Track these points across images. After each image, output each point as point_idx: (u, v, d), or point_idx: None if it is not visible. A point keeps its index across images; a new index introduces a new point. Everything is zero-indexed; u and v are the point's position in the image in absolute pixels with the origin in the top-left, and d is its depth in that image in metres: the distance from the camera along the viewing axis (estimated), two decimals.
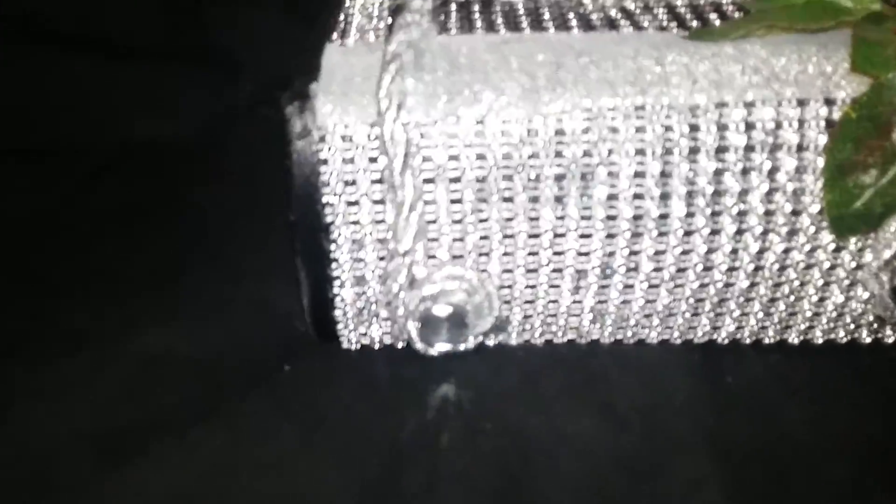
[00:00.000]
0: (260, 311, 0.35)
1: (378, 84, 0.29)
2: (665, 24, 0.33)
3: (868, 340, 0.34)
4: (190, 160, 0.45)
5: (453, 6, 0.35)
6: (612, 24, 0.33)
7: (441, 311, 0.31)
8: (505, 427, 0.30)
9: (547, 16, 0.34)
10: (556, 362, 0.32)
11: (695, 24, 0.33)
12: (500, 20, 0.34)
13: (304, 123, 0.29)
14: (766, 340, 0.34)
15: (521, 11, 0.35)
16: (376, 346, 0.34)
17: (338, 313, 0.33)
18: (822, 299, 0.33)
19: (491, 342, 0.34)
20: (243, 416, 0.30)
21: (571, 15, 0.34)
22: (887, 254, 0.31)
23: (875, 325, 0.34)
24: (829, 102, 0.29)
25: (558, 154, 0.30)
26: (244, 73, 0.50)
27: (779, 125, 0.29)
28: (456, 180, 0.30)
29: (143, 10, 0.54)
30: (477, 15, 0.35)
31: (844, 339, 0.34)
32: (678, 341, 0.35)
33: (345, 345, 0.34)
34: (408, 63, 0.29)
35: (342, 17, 0.35)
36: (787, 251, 0.31)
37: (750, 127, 0.29)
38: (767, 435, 0.29)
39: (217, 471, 0.28)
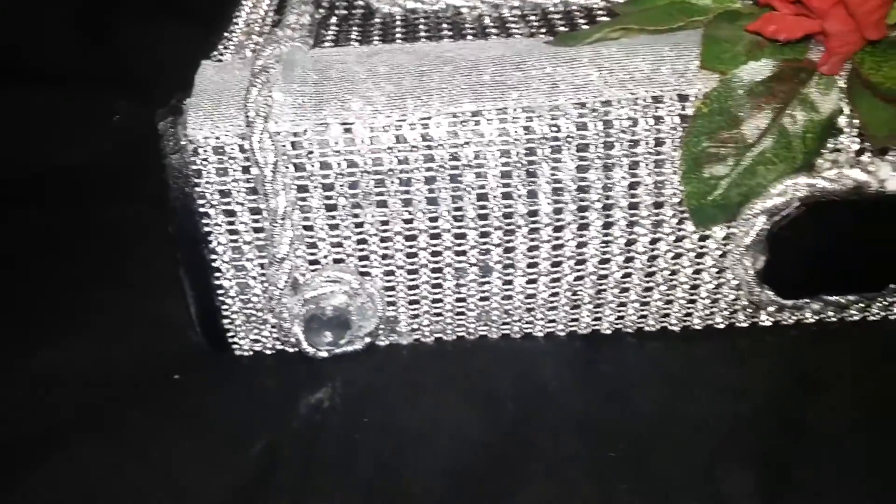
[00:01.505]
0: (159, 325, 0.36)
1: (245, 97, 0.30)
2: (535, 31, 0.35)
3: (745, 324, 0.36)
4: (102, 182, 0.45)
5: (334, 20, 0.37)
6: (482, 33, 0.35)
7: (324, 313, 0.33)
8: (383, 421, 0.31)
9: (422, 27, 0.36)
10: (440, 358, 0.34)
11: (563, 30, 0.35)
12: (376, 32, 0.35)
13: (177, 138, 0.30)
14: (647, 328, 0.36)
15: (399, 23, 0.36)
16: (268, 352, 0.35)
17: (226, 322, 0.34)
18: (694, 286, 0.34)
19: (382, 343, 0.36)
20: (131, 424, 0.31)
21: (445, 25, 0.35)
22: (748, 240, 0.32)
23: (750, 309, 0.36)
24: (683, 98, 0.31)
25: (427, 158, 0.31)
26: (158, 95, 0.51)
27: (635, 122, 0.31)
28: (329, 187, 0.31)
29: (57, 33, 0.55)
30: (355, 28, 0.36)
31: (722, 324, 0.36)
32: (563, 333, 0.36)
33: (238, 352, 0.35)
34: (275, 76, 0.30)
35: (224, 34, 0.36)
36: (654, 241, 0.33)
37: (608, 125, 0.31)
38: (633, 418, 0.30)
39: (102, 477, 0.29)
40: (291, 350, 0.35)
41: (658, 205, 0.32)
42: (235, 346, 0.35)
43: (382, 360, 0.34)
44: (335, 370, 0.33)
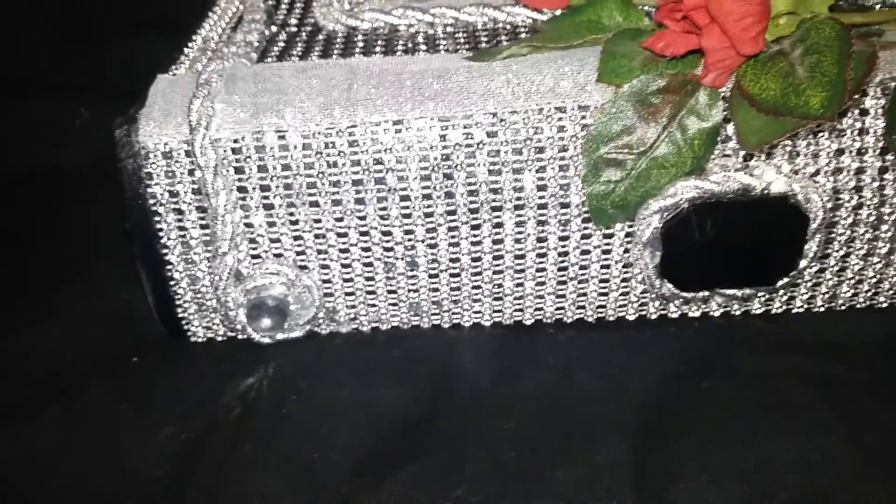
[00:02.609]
0: (123, 314, 0.40)
1: (189, 107, 0.34)
2: (459, 47, 0.38)
3: (655, 316, 0.39)
4: (78, 185, 0.49)
5: (282, 36, 0.40)
6: (412, 50, 0.38)
7: (264, 302, 0.36)
8: (310, 399, 0.34)
9: (360, 43, 0.39)
10: (372, 345, 0.37)
11: (485, 46, 0.38)
12: (318, 48, 0.39)
13: (131, 144, 0.34)
14: (566, 319, 0.39)
15: (339, 40, 0.39)
16: (220, 338, 0.39)
17: (180, 311, 0.38)
18: (604, 280, 0.38)
19: (323, 331, 0.39)
20: (87, 399, 0.35)
21: (380, 42, 0.39)
22: (645, 237, 0.35)
23: (659, 302, 0.39)
24: (583, 108, 0.34)
25: (354, 163, 0.34)
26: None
27: (539, 130, 0.34)
28: (266, 188, 0.35)
29: (39, 42, 0.59)
30: (300, 44, 0.39)
31: (634, 316, 0.39)
32: (488, 323, 0.39)
33: (192, 338, 0.39)
34: (217, 89, 0.34)
35: (182, 50, 0.39)
36: (563, 239, 0.36)
37: (516, 132, 0.34)
38: (529, 397, 0.33)
39: (55, 446, 0.33)
40: (240, 336, 0.38)
41: (565, 205, 0.35)
42: (190, 333, 0.39)
43: (320, 345, 0.37)
44: (275, 354, 0.37)
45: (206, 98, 0.34)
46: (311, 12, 0.42)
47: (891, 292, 0.38)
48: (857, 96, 0.33)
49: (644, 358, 0.35)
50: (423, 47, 0.38)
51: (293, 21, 0.42)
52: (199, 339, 0.39)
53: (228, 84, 0.35)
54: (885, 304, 0.39)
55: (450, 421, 0.32)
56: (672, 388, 0.33)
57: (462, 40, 0.39)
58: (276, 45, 0.39)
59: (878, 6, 0.39)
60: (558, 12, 0.40)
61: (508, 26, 0.40)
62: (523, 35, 0.39)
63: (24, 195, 0.49)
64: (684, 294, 0.37)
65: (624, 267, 0.37)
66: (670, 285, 0.36)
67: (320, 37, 0.40)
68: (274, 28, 0.41)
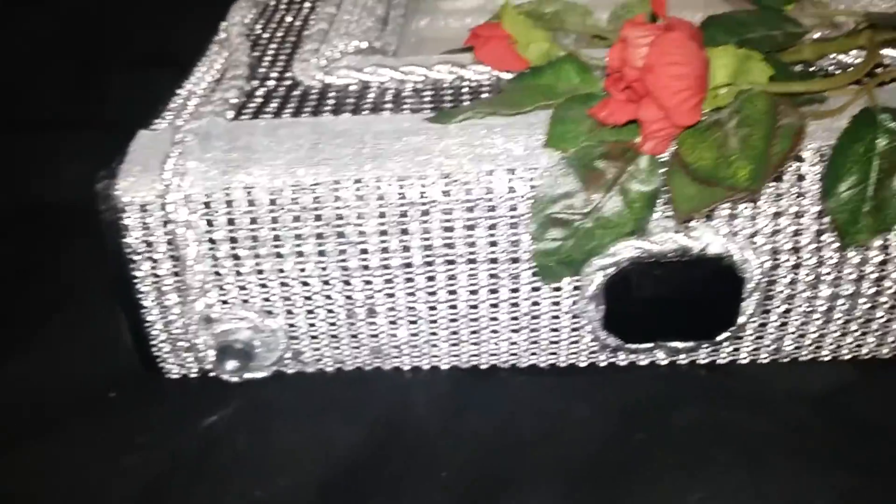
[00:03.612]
0: (105, 349, 0.42)
1: (162, 165, 0.36)
2: (423, 107, 0.40)
3: (604, 364, 0.41)
4: (73, 221, 0.52)
5: (261, 91, 0.43)
6: (379, 108, 0.40)
7: (232, 345, 0.39)
8: (269, 436, 0.37)
9: (331, 100, 0.41)
10: (333, 385, 0.39)
11: (447, 106, 0.40)
12: (291, 105, 0.41)
13: (110, 197, 0.37)
14: (520, 365, 0.41)
15: (313, 96, 0.42)
16: (193, 375, 0.41)
17: (154, 349, 0.40)
18: (554, 329, 0.40)
19: (290, 370, 0.41)
20: (66, 431, 0.38)
21: (350, 99, 0.41)
22: (590, 292, 0.37)
23: (608, 351, 0.40)
24: (532, 170, 0.36)
25: (317, 217, 0.37)
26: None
27: (491, 190, 0.36)
28: (234, 240, 0.37)
29: (54, 82, 0.62)
30: (276, 100, 0.42)
31: (585, 363, 0.41)
32: (446, 367, 0.41)
33: (168, 375, 0.41)
34: (191, 147, 0.37)
35: (165, 105, 0.42)
36: (514, 291, 0.38)
37: (468, 192, 0.36)
38: (471, 440, 0.36)
39: (34, 475, 0.35)
40: (211, 374, 0.41)
41: (515, 260, 0.38)
42: (165, 370, 0.41)
43: (285, 385, 0.40)
44: (240, 392, 0.39)
45: (181, 156, 0.37)
46: (291, 67, 0.45)
47: (832, 346, 0.40)
48: (783, 168, 0.35)
49: (585, 406, 0.37)
50: (389, 106, 0.40)
51: (273, 75, 0.44)
52: (174, 376, 0.42)
53: (202, 142, 0.37)
54: (827, 358, 0.41)
55: (396, 464, 0.35)
56: (607, 438, 0.35)
57: (428, 98, 0.41)
58: (253, 100, 0.42)
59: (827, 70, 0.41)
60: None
61: (474, 83, 0.42)
62: (485, 94, 0.41)
63: (18, 229, 0.52)
64: (629, 345, 0.39)
65: (573, 317, 0.39)
66: (614, 338, 0.38)
67: (296, 92, 0.42)
68: (255, 82, 0.43)
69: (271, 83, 0.44)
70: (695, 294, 0.37)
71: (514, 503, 0.33)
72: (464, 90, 0.42)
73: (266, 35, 0.49)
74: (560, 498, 0.33)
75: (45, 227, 0.52)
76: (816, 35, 0.43)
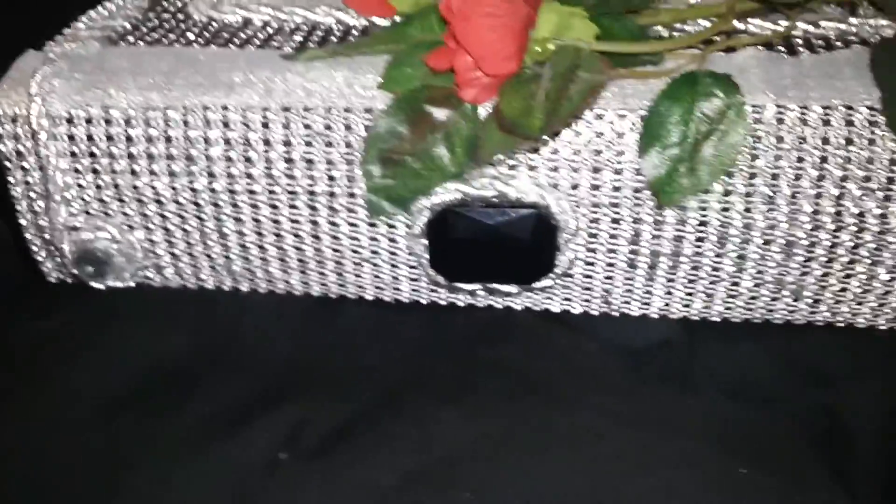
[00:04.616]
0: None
1: (31, 80, 0.39)
2: (287, 45, 0.42)
3: (444, 302, 0.43)
4: None
5: (149, 24, 0.45)
6: (247, 43, 0.42)
7: (92, 252, 0.42)
8: (98, 337, 0.40)
9: (207, 35, 0.43)
10: (186, 300, 0.43)
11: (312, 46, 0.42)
12: (173, 36, 0.43)
13: None
14: (365, 296, 0.43)
15: (196, 30, 0.44)
16: (69, 280, 0.45)
17: (33, 254, 0.44)
18: (393, 265, 0.42)
19: (154, 283, 0.44)
20: None
21: (225, 35, 0.43)
22: (416, 230, 0.39)
23: (441, 290, 0.42)
24: (368, 111, 0.38)
25: (167, 139, 0.39)
26: None
27: (329, 126, 0.38)
28: (93, 154, 0.40)
29: None
30: (160, 31, 0.44)
31: (426, 300, 0.43)
32: (298, 293, 0.44)
33: (47, 278, 0.45)
34: (58, 67, 0.40)
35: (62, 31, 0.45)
36: (352, 225, 0.40)
37: (308, 127, 0.38)
38: (282, 364, 0.39)
39: None
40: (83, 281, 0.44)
41: (352, 195, 0.40)
42: (45, 273, 0.45)
43: (141, 295, 0.43)
44: (94, 297, 0.43)
45: (49, 75, 0.40)
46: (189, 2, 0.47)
47: (660, 304, 0.41)
48: (574, 121, 0.37)
49: (396, 342, 0.40)
50: (257, 42, 0.42)
51: (172, 9, 0.47)
52: (52, 280, 0.45)
53: (72, 63, 0.40)
54: (616, 314, 0.42)
55: (217, 374, 0.38)
56: (397, 365, 0.38)
57: (300, 38, 0.43)
58: (139, 30, 0.44)
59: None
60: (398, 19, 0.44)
61: (350, 27, 0.44)
62: (352, 37, 0.43)
63: None
64: (454, 285, 0.41)
65: (410, 255, 0.41)
66: (439, 276, 0.40)
67: (182, 25, 0.45)
68: (152, 14, 0.46)
69: (167, 15, 0.46)
70: (512, 240, 0.39)
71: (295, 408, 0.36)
72: (336, 33, 0.44)
73: None
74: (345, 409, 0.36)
75: None
76: (693, 1, 0.44)
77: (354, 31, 0.43)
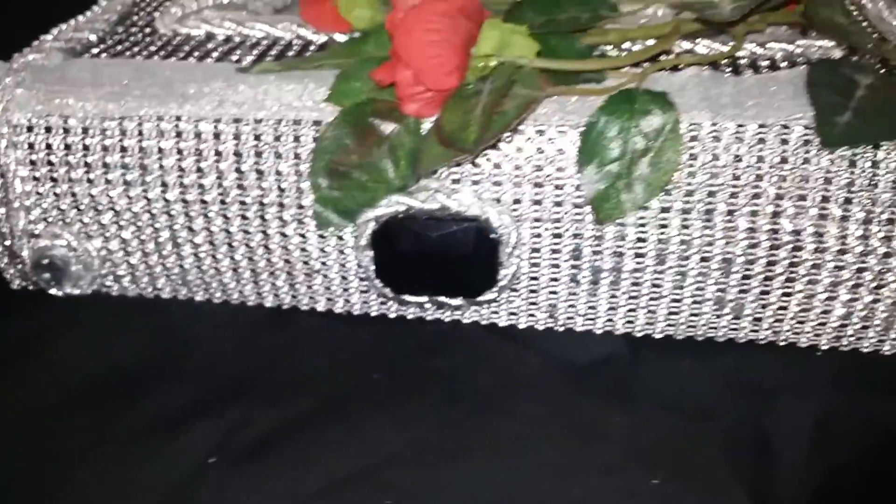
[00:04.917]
0: None
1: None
2: (245, 58, 0.43)
3: (393, 316, 0.43)
4: None
5: (116, 36, 0.46)
6: (206, 57, 0.43)
7: (49, 259, 0.43)
8: (54, 343, 0.41)
9: (169, 49, 0.45)
10: (142, 308, 0.43)
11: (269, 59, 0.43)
12: (137, 49, 0.45)
13: None
14: (317, 308, 0.44)
15: (160, 43, 0.45)
16: (31, 287, 0.45)
17: None
18: (344, 277, 0.42)
19: (112, 291, 0.45)
20: None
21: (186, 48, 0.44)
22: (362, 241, 0.39)
23: (390, 301, 0.43)
24: (317, 123, 0.39)
25: (122, 149, 0.40)
26: None
27: (278, 138, 0.39)
28: (51, 163, 0.41)
29: None
30: (127, 44, 0.45)
31: (376, 312, 0.43)
32: (252, 303, 0.44)
33: (12, 286, 0.46)
34: (21, 77, 0.41)
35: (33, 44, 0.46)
36: (303, 237, 0.41)
37: (258, 138, 0.39)
38: (221, 371, 0.39)
39: None
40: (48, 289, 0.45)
41: (301, 206, 0.40)
42: (9, 280, 0.46)
43: (93, 302, 0.44)
44: (54, 305, 0.44)
45: (11, 85, 0.41)
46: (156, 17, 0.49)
47: (605, 320, 0.41)
48: (507, 136, 0.37)
49: (345, 352, 0.40)
50: (215, 55, 0.44)
51: (141, 23, 0.48)
52: (16, 287, 0.46)
53: (34, 73, 0.42)
54: (561, 329, 0.42)
55: (167, 379, 0.39)
56: (338, 375, 0.38)
57: (258, 52, 0.44)
58: (105, 43, 0.46)
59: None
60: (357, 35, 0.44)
61: (308, 42, 0.45)
62: (310, 52, 0.44)
63: None
64: (400, 297, 0.41)
65: (359, 266, 0.42)
66: (387, 288, 0.41)
67: (148, 39, 0.46)
68: (119, 28, 0.47)
69: (134, 29, 0.48)
70: (453, 252, 0.39)
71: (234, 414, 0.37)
72: (294, 47, 0.45)
73: None
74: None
75: None
76: (642, 21, 0.44)
77: (313, 47, 0.45)
